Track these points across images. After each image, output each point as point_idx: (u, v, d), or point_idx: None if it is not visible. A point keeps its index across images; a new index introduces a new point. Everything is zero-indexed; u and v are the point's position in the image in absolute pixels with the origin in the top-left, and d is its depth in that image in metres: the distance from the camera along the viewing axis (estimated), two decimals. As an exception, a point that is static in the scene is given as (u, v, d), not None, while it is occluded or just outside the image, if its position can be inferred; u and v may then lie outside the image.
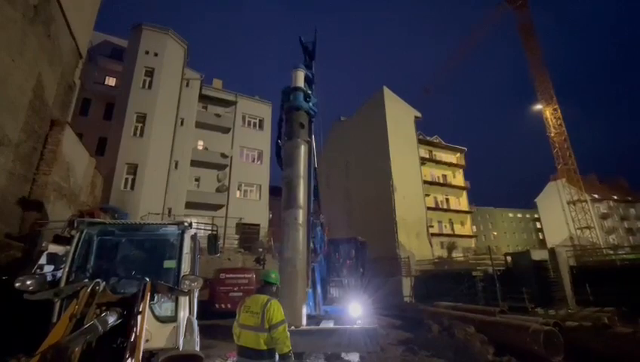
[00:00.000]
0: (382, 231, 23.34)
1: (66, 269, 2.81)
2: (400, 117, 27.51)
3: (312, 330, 5.59)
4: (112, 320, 2.16)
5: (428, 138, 34.14)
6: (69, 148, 10.63)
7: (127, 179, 16.05)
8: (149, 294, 2.53)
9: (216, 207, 21.47)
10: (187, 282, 2.75)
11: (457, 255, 26.46)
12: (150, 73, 18.07)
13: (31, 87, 8.59)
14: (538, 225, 55.25)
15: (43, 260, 3.20)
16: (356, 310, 6.60)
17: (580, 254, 16.48)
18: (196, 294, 3.94)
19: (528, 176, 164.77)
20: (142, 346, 2.12)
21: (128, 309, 2.42)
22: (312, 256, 6.76)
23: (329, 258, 7.95)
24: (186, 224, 3.32)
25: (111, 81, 20.32)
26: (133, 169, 16.32)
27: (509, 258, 18.23)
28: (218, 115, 23.42)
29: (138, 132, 16.96)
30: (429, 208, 27.92)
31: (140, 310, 2.33)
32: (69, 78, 10.98)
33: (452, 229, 31.22)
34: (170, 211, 17.58)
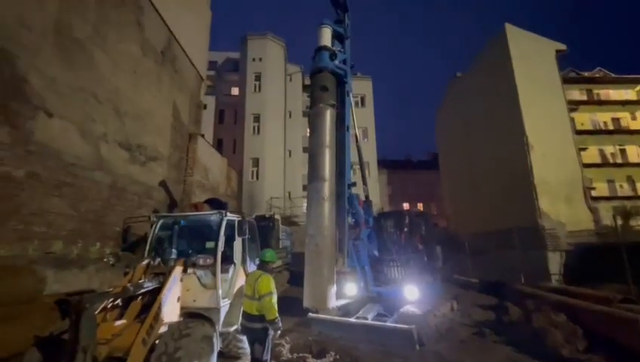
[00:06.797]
0: (514, 197, 19.80)
1: (147, 248, 4.05)
2: (533, 55, 21.83)
3: (339, 322, 5.10)
4: (149, 285, 3.07)
5: (584, 74, 25.92)
6: (204, 153, 13.75)
7: (252, 172, 19.39)
8: (180, 267, 3.39)
9: (330, 187, 23.12)
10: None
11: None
12: (258, 77, 20.80)
13: (170, 113, 11.52)
14: None
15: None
16: (412, 292, 5.88)
17: None
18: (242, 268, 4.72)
19: None
20: (163, 300, 2.94)
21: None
22: (355, 232, 6.45)
23: (380, 234, 7.28)
24: (222, 213, 4.09)
25: (235, 91, 24.31)
26: (255, 162, 19.52)
27: None
28: (322, 101, 24.71)
29: (256, 130, 20.02)
30: (589, 165, 21.68)
31: (169, 278, 3.17)
32: (196, 99, 14.01)
33: (633, 189, 23.28)
34: (289, 194, 20.20)
